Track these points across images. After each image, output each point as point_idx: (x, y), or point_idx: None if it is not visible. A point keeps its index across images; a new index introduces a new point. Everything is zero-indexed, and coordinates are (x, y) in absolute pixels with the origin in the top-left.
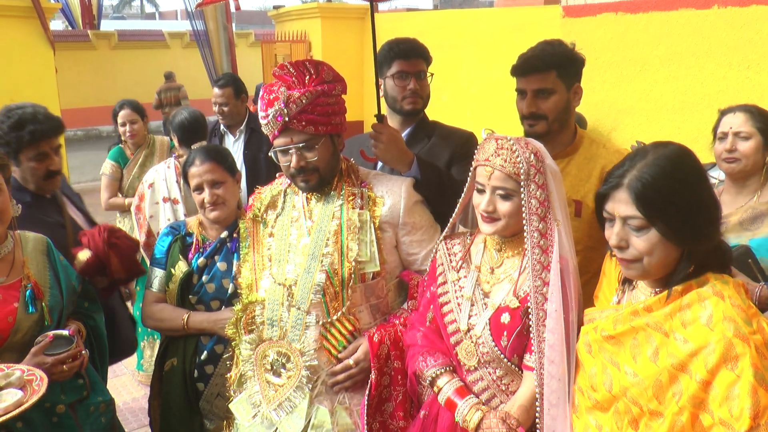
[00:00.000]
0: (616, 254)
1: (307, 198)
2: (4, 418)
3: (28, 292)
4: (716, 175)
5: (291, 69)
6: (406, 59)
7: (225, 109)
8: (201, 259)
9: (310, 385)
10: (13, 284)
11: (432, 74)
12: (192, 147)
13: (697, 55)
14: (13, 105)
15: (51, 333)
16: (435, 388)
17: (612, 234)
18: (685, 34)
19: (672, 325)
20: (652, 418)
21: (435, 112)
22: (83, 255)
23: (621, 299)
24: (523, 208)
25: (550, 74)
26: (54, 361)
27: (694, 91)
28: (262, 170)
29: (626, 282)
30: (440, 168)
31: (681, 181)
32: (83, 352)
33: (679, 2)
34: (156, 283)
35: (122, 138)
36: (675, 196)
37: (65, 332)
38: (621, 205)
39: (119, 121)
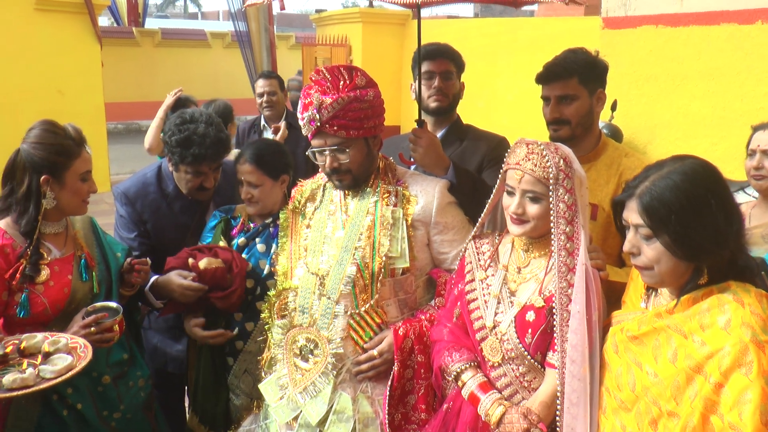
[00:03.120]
0: (633, 262)
1: (344, 193)
2: (58, 380)
3: (82, 261)
4: (751, 192)
5: (326, 74)
6: (432, 59)
7: (274, 98)
8: (242, 239)
9: (335, 372)
10: (67, 258)
11: (463, 83)
12: None
13: (738, 70)
14: (188, 114)
15: (99, 304)
16: (459, 383)
17: (626, 240)
18: (726, 49)
19: (691, 327)
20: (669, 419)
21: (471, 118)
22: (213, 262)
23: (648, 304)
24: (551, 212)
25: (571, 80)
26: (99, 328)
27: (733, 108)
28: (299, 165)
29: (651, 288)
30: (474, 174)
31: (689, 197)
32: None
33: (721, 17)
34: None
35: None
36: (681, 210)
37: (113, 304)
38: (632, 213)
39: None
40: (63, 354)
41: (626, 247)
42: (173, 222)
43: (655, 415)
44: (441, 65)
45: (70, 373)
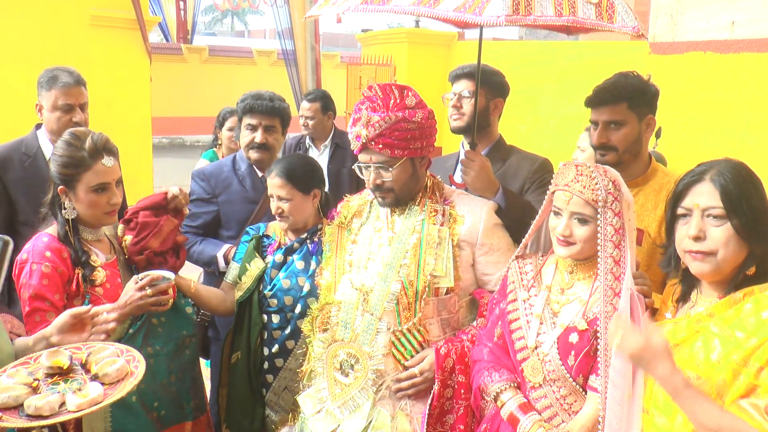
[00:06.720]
0: (690, 249)
1: (391, 210)
2: (75, 415)
3: (133, 266)
4: None
5: (378, 91)
6: (452, 82)
7: (310, 122)
8: (279, 255)
9: (375, 388)
10: (112, 262)
11: (499, 100)
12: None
13: None
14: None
15: (152, 273)
16: (498, 403)
17: (692, 225)
18: None
19: (735, 325)
20: None
21: (513, 142)
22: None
23: (675, 314)
24: (599, 235)
25: (620, 106)
26: (155, 290)
27: None
28: (344, 184)
29: (680, 300)
30: (523, 199)
31: (752, 184)
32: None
33: None
34: (230, 275)
35: (219, 142)
36: (748, 194)
37: (165, 273)
38: (703, 196)
39: (227, 125)
40: (98, 384)
41: (693, 230)
42: (243, 196)
43: None
44: (460, 86)
45: (89, 410)
